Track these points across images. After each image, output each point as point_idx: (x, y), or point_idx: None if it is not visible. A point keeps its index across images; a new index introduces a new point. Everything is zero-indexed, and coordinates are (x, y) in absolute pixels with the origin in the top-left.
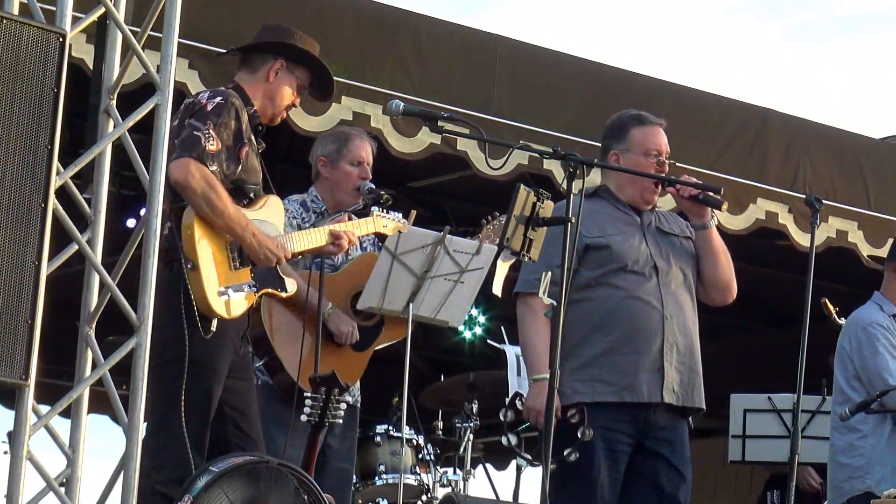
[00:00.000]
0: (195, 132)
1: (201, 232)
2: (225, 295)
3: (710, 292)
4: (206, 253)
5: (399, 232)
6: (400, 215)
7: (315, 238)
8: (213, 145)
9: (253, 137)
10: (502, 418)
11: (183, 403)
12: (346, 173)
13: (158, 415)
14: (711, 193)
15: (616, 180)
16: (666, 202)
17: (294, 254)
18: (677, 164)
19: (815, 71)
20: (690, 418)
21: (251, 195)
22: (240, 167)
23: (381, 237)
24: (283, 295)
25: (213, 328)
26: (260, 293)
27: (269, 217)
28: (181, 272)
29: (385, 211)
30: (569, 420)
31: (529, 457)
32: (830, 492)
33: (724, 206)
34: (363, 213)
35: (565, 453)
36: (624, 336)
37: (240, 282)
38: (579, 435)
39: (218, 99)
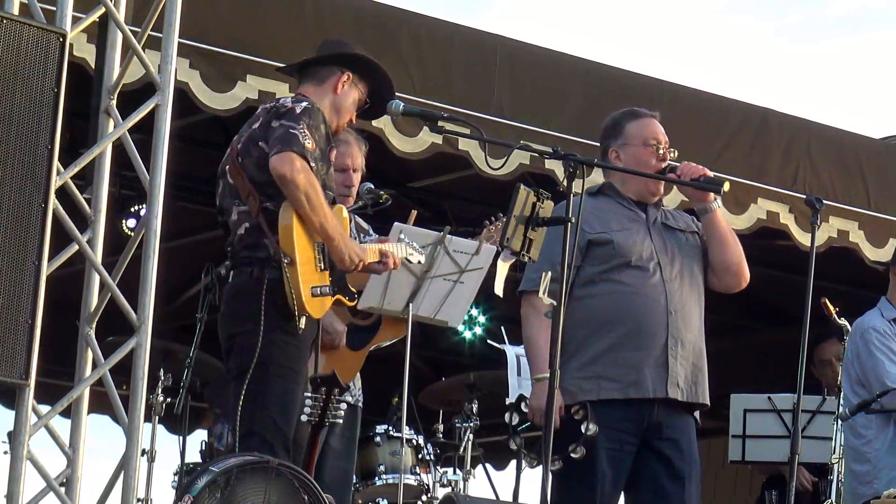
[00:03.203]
0: (291, 130)
1: (298, 230)
2: (317, 295)
3: (722, 278)
4: (302, 250)
5: (400, 232)
6: (417, 249)
7: (368, 254)
8: (309, 143)
9: None
10: (507, 421)
11: (272, 406)
12: None
13: (248, 419)
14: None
15: (620, 176)
16: (671, 201)
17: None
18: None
19: (815, 71)
20: (697, 414)
21: (330, 202)
22: (329, 171)
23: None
24: (349, 304)
25: (302, 326)
26: (334, 298)
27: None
28: (262, 277)
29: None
30: (573, 416)
31: (535, 456)
32: (846, 497)
33: (726, 186)
34: (364, 212)
35: (570, 449)
36: (628, 333)
37: (324, 284)
38: (583, 430)
39: (304, 103)
